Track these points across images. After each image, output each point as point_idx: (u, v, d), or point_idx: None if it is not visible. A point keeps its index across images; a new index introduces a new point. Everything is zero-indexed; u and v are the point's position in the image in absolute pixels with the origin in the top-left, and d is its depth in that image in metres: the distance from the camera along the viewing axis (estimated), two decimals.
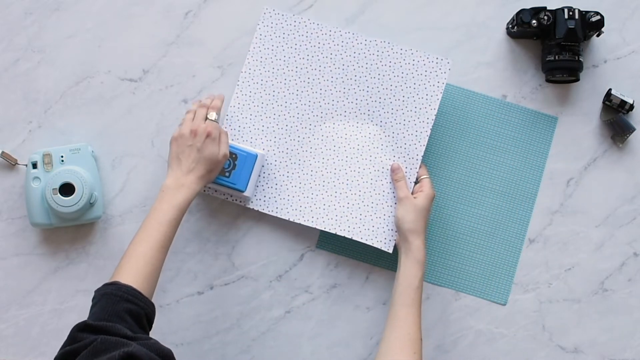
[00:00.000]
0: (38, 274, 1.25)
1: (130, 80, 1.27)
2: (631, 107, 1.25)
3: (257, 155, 1.20)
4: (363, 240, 1.21)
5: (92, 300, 1.00)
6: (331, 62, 1.24)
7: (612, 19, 1.28)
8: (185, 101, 1.27)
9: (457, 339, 1.25)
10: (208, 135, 1.12)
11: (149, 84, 1.27)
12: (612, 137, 1.27)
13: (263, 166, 1.22)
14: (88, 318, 0.97)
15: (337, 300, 1.25)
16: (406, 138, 1.22)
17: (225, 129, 1.20)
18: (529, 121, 1.27)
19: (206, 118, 1.15)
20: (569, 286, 1.26)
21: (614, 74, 1.28)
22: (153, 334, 1.19)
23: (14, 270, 1.25)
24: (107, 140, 1.26)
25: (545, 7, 1.22)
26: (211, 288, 1.25)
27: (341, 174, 1.22)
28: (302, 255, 1.25)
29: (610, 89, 1.26)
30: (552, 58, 1.22)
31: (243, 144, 1.22)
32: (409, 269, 1.13)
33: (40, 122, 1.26)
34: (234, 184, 1.19)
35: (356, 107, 1.23)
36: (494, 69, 1.28)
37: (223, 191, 1.23)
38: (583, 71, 1.25)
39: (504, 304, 1.25)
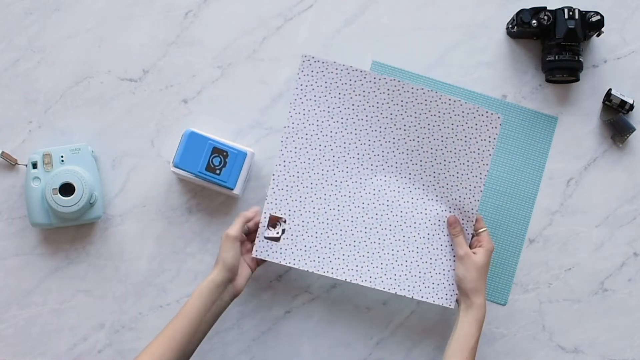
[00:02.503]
0: (38, 274, 1.25)
1: (130, 80, 1.27)
2: (631, 107, 1.25)
3: (247, 153, 1.20)
4: (424, 299, 1.16)
5: None
6: (378, 111, 1.17)
7: (612, 19, 1.28)
8: (185, 101, 1.27)
9: None
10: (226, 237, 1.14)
11: (149, 84, 1.27)
12: (612, 137, 1.27)
13: (315, 225, 1.17)
14: None
15: (337, 300, 1.25)
16: (460, 192, 1.16)
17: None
18: (529, 121, 1.27)
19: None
20: (569, 286, 1.26)
21: (614, 74, 1.28)
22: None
23: (14, 270, 1.25)
24: (107, 140, 1.26)
25: (545, 7, 1.22)
26: None
27: (397, 230, 1.18)
28: None
29: (610, 89, 1.26)
30: (552, 58, 1.22)
31: (233, 143, 1.21)
32: (467, 327, 1.11)
33: (40, 122, 1.26)
34: (224, 182, 1.19)
35: (407, 159, 1.17)
36: (494, 69, 1.28)
37: (213, 189, 1.23)
38: (583, 71, 1.25)
39: (504, 304, 1.25)
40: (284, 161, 1.17)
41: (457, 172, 1.17)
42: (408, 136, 1.17)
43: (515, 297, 1.25)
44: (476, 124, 1.16)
